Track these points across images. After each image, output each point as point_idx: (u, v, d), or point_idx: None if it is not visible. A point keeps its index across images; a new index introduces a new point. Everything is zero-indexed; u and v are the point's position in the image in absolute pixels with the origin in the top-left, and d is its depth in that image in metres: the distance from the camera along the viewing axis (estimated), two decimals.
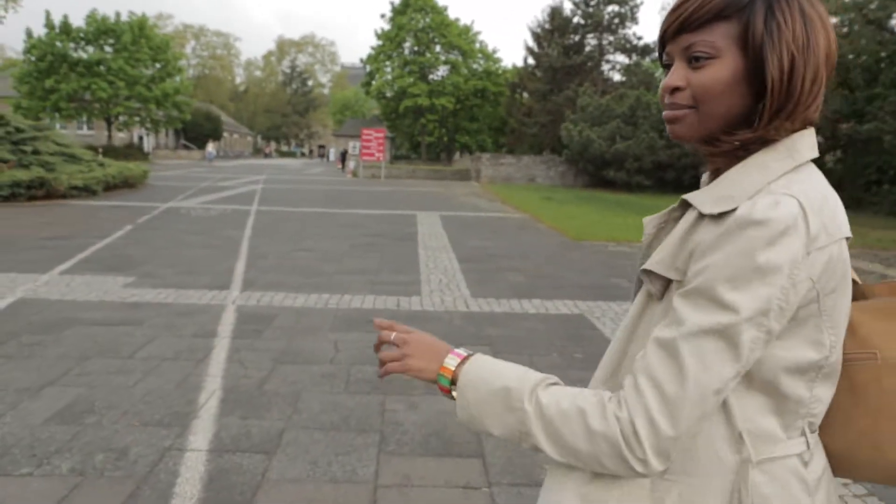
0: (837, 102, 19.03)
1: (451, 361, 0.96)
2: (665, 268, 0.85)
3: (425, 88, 46.05)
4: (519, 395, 0.86)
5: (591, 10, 35.31)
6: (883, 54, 18.87)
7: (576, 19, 36.07)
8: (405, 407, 3.61)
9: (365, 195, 19.56)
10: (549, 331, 5.38)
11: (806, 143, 0.85)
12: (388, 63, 48.91)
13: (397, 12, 47.50)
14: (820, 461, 0.90)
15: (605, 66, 36.57)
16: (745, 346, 0.76)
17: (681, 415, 0.77)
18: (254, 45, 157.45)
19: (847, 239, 0.84)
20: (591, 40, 36.16)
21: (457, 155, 52.19)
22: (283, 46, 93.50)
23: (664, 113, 0.91)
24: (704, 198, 0.84)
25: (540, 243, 10.60)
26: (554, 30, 37.32)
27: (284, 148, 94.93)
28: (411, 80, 46.28)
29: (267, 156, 79.23)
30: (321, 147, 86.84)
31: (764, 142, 0.84)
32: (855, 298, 0.92)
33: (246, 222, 11.74)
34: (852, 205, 20.24)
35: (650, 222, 0.97)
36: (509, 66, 48.76)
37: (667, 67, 0.90)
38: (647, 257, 0.92)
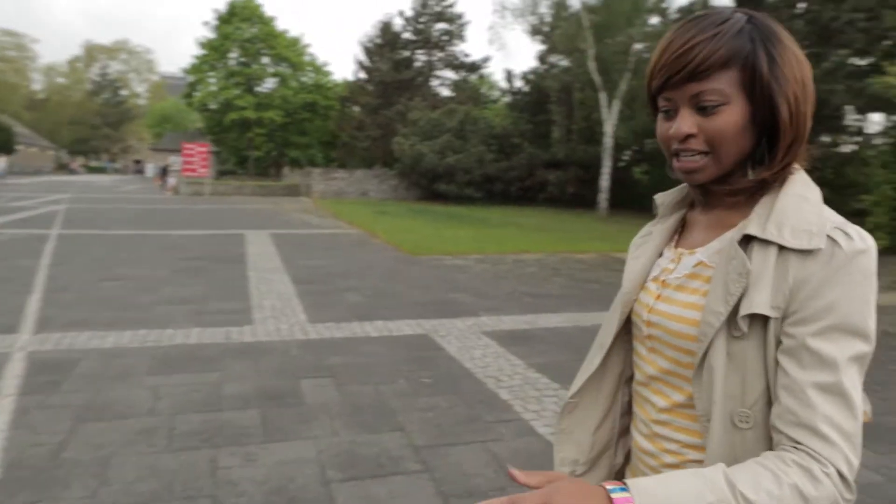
0: (645, 120, 20.96)
1: None
2: (766, 307, 0.84)
3: (252, 101, 44.10)
4: None
5: (420, 26, 36.04)
6: None
7: (406, 35, 36.63)
8: (241, 461, 3.19)
9: (187, 214, 18.18)
10: (394, 355, 5.16)
11: (806, 174, 0.94)
12: (211, 74, 46.24)
13: (222, 21, 45.11)
14: None
15: (435, 82, 37.45)
16: (869, 357, 0.84)
17: (859, 441, 0.81)
18: (56, 49, 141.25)
19: None
20: (420, 56, 36.89)
21: (286, 170, 50.60)
22: (92, 52, 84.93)
23: (678, 164, 0.92)
24: (779, 233, 0.86)
25: (377, 260, 10.40)
26: (384, 45, 37.58)
27: (94, 163, 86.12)
28: (237, 91, 44.09)
29: (73, 172, 71.41)
30: (137, 162, 79.83)
31: (780, 176, 0.91)
32: None
33: (43, 249, 10.29)
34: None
35: (717, 259, 0.93)
36: (340, 80, 48.27)
37: (664, 113, 0.93)
38: (726, 296, 0.88)
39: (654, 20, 21.14)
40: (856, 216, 13.87)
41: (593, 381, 1.11)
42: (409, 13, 37.20)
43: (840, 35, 13.75)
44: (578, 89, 22.01)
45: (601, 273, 9.99)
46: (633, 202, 23.82)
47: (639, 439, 1.04)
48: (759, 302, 0.84)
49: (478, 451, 3.41)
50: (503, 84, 34.47)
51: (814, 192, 0.91)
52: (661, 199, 1.12)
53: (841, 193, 15.09)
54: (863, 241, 0.83)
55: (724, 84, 0.86)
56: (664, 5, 21.16)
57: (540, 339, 5.92)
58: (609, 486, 0.76)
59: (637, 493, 0.75)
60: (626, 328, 1.09)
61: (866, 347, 0.82)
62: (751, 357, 0.86)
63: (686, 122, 0.89)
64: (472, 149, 23.97)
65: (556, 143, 23.57)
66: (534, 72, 27.64)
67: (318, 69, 48.62)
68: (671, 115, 0.92)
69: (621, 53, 20.19)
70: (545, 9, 22.58)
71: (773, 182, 0.92)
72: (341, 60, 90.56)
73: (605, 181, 20.90)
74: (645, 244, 1.12)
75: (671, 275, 1.00)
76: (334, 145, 46.62)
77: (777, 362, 0.84)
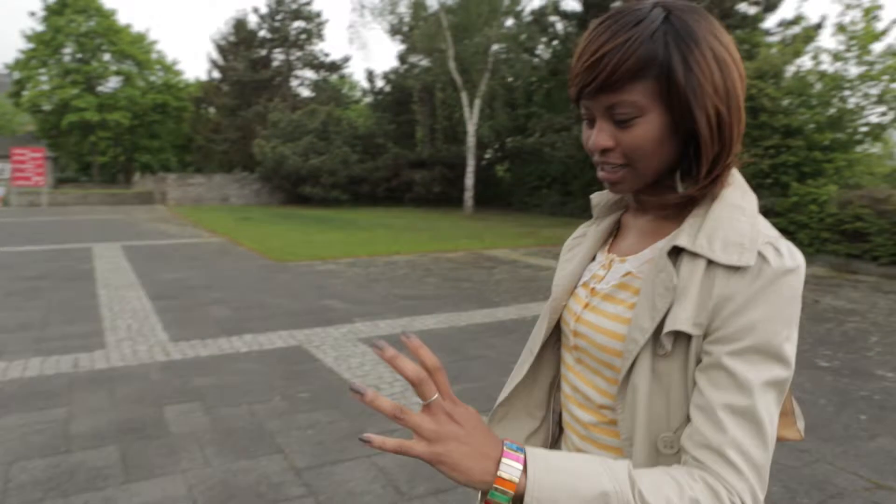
0: (504, 119, 21.68)
1: (510, 471, 0.70)
2: (689, 325, 0.79)
3: (94, 101, 40.55)
4: (622, 500, 0.70)
5: (277, 24, 34.93)
6: (534, 78, 22.03)
7: (262, 33, 35.37)
8: None
9: (21, 228, 16.37)
10: (267, 370, 4.90)
11: (742, 179, 0.88)
12: (43, 70, 41.94)
13: (52, 12, 40.99)
14: None
15: (294, 82, 36.48)
16: (788, 383, 0.79)
17: (766, 474, 0.76)
18: None
19: None
20: (278, 55, 35.76)
21: (137, 176, 47.15)
22: None
23: (601, 174, 0.88)
24: (710, 246, 0.80)
25: (243, 269, 9.91)
26: (239, 43, 36.06)
27: None
28: (75, 91, 40.32)
29: None
30: None
31: (714, 183, 0.84)
32: None
33: None
34: (522, 207, 23.28)
35: (643, 273, 0.89)
36: (192, 79, 45.69)
37: (588, 121, 0.87)
38: (652, 310, 0.82)
39: (510, 22, 21.88)
40: None
41: (523, 389, 1.05)
42: (264, 10, 36.03)
43: None
44: (440, 89, 22.33)
45: (472, 271, 10.16)
46: (497, 199, 24.62)
47: (567, 442, 1.01)
48: (682, 319, 0.79)
49: (364, 467, 3.30)
50: (364, 84, 34.30)
51: (750, 202, 0.85)
52: (597, 199, 1.04)
53: None
54: (792, 260, 0.79)
55: (638, 96, 0.79)
56: (518, 8, 22.00)
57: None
58: (507, 442, 0.72)
59: (531, 457, 0.71)
60: (557, 334, 1.03)
61: (784, 373, 0.77)
62: (675, 378, 0.81)
63: (602, 135, 0.84)
64: (336, 150, 23.59)
65: (421, 143, 23.78)
66: (395, 72, 27.70)
67: (168, 68, 45.75)
68: (592, 123, 0.86)
69: (480, 54, 20.72)
70: (404, 8, 22.67)
71: (707, 194, 0.85)
72: (193, 59, 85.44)
73: (469, 180, 21.37)
74: (578, 247, 1.06)
75: (601, 283, 0.95)
76: (189, 149, 44.09)
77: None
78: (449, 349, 5.64)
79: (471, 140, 21.05)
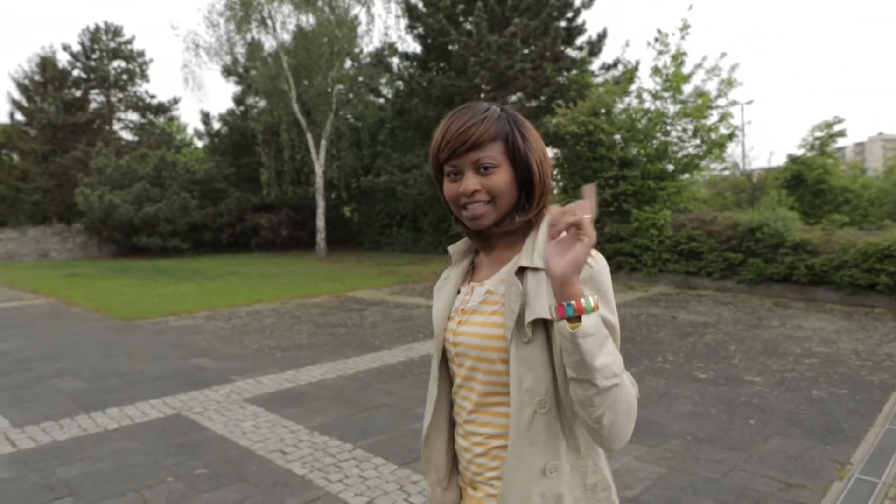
0: (351, 160, 21.53)
1: (588, 302, 1.05)
2: (545, 312, 1.11)
3: None
4: (610, 342, 1.08)
5: (92, 63, 32.20)
6: (379, 118, 22.19)
7: (76, 72, 32.39)
8: None
9: None
10: (148, 448, 4.28)
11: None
12: None
13: None
14: None
15: (117, 125, 33.72)
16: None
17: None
18: None
19: None
20: (97, 96, 32.90)
21: None
22: None
23: (467, 213, 1.22)
24: (539, 262, 1.16)
25: (84, 333, 8.78)
26: (47, 82, 32.72)
27: None
28: None
29: None
30: None
31: (539, 218, 1.24)
32: None
33: None
34: (373, 247, 23.14)
35: (508, 292, 1.20)
36: None
37: (449, 177, 1.24)
38: (513, 312, 1.16)
39: (348, 64, 21.91)
40: None
41: (438, 410, 1.34)
42: (76, 48, 33.09)
43: (515, 81, 15.85)
44: (284, 130, 21.73)
45: (342, 315, 9.82)
46: (347, 240, 24.30)
47: (458, 440, 1.31)
48: (539, 310, 1.11)
49: None
50: (197, 126, 32.55)
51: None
52: (453, 249, 1.40)
53: None
54: (599, 258, 1.15)
55: (495, 152, 1.19)
56: (356, 49, 22.12)
57: (311, 396, 5.50)
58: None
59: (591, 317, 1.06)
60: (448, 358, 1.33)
61: (612, 331, 1.10)
62: (538, 357, 1.13)
63: (471, 181, 1.19)
64: (172, 196, 22.01)
65: (266, 186, 22.90)
66: (231, 113, 26.63)
67: None
68: (456, 177, 1.22)
69: (322, 95, 20.50)
70: (240, 49, 21.90)
71: (534, 222, 1.23)
72: None
73: (320, 221, 20.87)
74: (445, 286, 1.37)
75: (468, 304, 1.28)
76: None
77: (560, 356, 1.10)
78: (345, 401, 5.32)
79: (319, 181, 20.61)
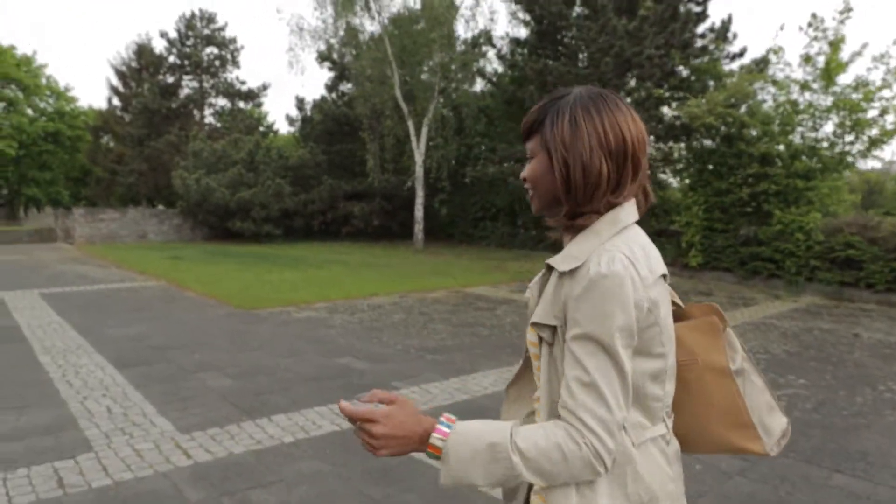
0: (454, 149, 20.80)
1: (438, 442, 1.10)
2: (546, 318, 1.14)
3: None
4: (503, 448, 1.06)
5: (188, 50, 32.69)
6: (487, 105, 21.39)
7: (171, 59, 32.97)
8: None
9: None
10: (344, 473, 3.59)
11: (626, 212, 1.18)
12: None
13: None
14: (676, 441, 1.26)
15: (208, 111, 34.21)
16: (625, 360, 1.07)
17: (615, 427, 1.06)
18: None
19: (664, 276, 1.19)
20: (190, 82, 33.43)
21: (23, 211, 42.61)
22: None
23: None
24: (559, 260, 1.15)
25: (208, 320, 8.31)
26: (143, 69, 33.49)
27: None
28: None
29: None
30: None
31: (594, 217, 1.16)
32: (677, 319, 1.30)
33: None
34: (466, 240, 22.41)
35: (533, 287, 1.24)
36: (87, 106, 42.09)
37: None
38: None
39: (456, 48, 21.07)
40: (666, 236, 14.77)
41: (521, 376, 1.35)
42: (173, 34, 33.68)
43: (640, 69, 14.74)
44: (387, 117, 21.18)
45: (474, 315, 9.05)
46: (437, 232, 23.60)
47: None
48: (540, 314, 1.15)
49: None
50: (282, 114, 32.54)
51: (611, 228, 1.15)
52: (531, 286, 1.28)
53: (657, 217, 16.09)
54: (607, 268, 1.07)
55: (533, 144, 1.22)
56: (461, 35, 21.27)
57: (493, 411, 4.69)
58: (441, 419, 1.12)
59: (455, 426, 1.10)
60: None
61: (604, 352, 1.06)
62: (559, 359, 1.14)
63: (524, 169, 1.26)
64: (267, 182, 21.85)
65: (371, 173, 22.42)
66: (325, 100, 26.36)
67: (60, 94, 41.88)
68: None
69: (426, 81, 19.84)
70: (340, 33, 21.47)
71: (590, 220, 1.17)
72: (88, 85, 79.42)
73: (419, 212, 20.25)
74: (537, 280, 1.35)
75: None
76: (85, 182, 40.40)
77: None
78: None
79: (419, 170, 19.98)
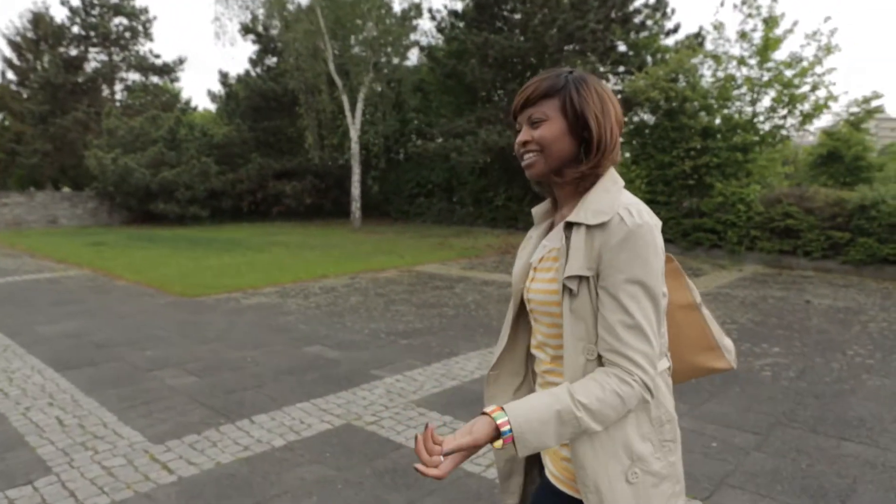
0: (392, 124, 20.23)
1: (508, 431, 1.13)
2: (580, 269, 1.21)
3: None
4: (568, 410, 1.14)
5: (93, 20, 30.33)
6: (423, 79, 20.85)
7: (75, 29, 30.52)
8: None
9: None
10: (353, 477, 3.24)
11: (616, 173, 1.33)
12: None
13: None
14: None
15: (119, 86, 31.96)
16: (660, 298, 1.21)
17: (655, 358, 1.20)
18: None
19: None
20: (97, 55, 31.08)
21: None
22: None
23: (524, 162, 1.34)
24: (585, 215, 1.24)
25: (148, 311, 7.64)
26: (41, 40, 30.84)
27: None
28: None
29: None
30: None
31: (595, 176, 1.30)
32: None
33: None
34: (402, 217, 22.03)
35: (546, 245, 1.39)
36: None
37: (516, 132, 1.36)
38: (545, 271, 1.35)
39: (390, 20, 20.37)
40: None
41: (507, 354, 1.46)
42: (75, 2, 31.16)
43: (583, 43, 14.67)
44: (320, 91, 20.28)
45: (433, 294, 8.76)
46: (371, 210, 23.02)
47: (537, 389, 1.40)
48: (576, 267, 1.22)
49: None
50: (210, 88, 30.83)
51: (615, 184, 1.30)
52: (535, 210, 1.48)
53: None
54: (639, 218, 1.20)
55: (546, 108, 1.29)
56: (381, 11, 20.59)
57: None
58: (493, 413, 1.13)
59: (509, 410, 1.13)
60: (526, 310, 1.43)
61: (649, 295, 1.18)
62: (585, 309, 1.22)
63: (523, 134, 1.33)
64: (191, 161, 20.63)
65: (311, 150, 21.48)
66: (249, 75, 25.10)
67: None
68: (518, 131, 1.35)
69: (359, 54, 19.12)
70: (262, 5, 20.37)
71: (592, 179, 1.30)
72: None
73: (356, 189, 19.62)
74: (526, 246, 1.47)
75: (536, 260, 1.39)
76: None
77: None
78: None
79: (354, 147, 19.27)
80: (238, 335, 6.36)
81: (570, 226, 1.26)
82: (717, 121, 12.85)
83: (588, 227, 1.22)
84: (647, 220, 1.19)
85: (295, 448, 3.64)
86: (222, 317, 7.26)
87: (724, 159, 12.49)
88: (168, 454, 3.54)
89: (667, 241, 13.28)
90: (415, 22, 20.58)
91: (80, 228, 20.32)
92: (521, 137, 1.32)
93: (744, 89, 12.80)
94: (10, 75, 32.51)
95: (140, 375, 5.02)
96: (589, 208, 1.24)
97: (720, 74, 13.09)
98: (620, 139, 1.34)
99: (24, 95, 30.95)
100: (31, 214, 20.26)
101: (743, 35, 12.83)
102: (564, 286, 1.23)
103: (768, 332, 6.60)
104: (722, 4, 18.81)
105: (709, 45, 13.90)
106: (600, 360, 1.21)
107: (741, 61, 12.85)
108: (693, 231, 12.82)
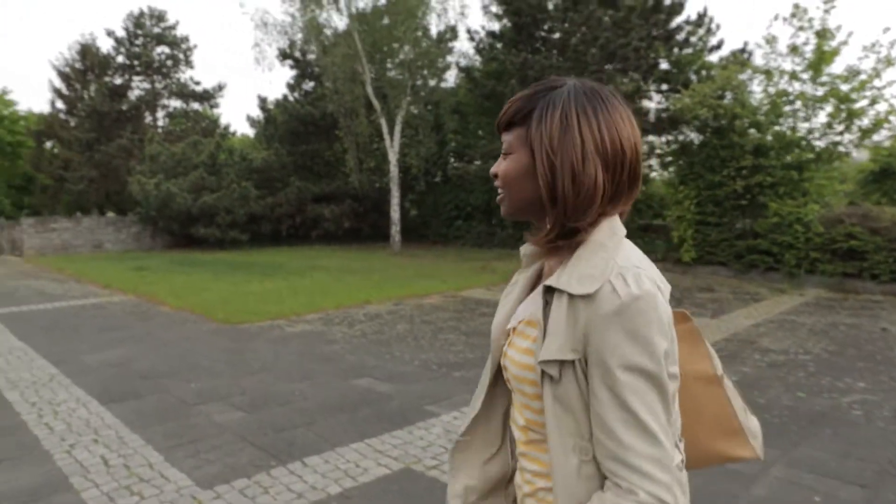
0: (431, 146, 20.16)
1: None
2: (561, 352, 0.95)
3: None
4: None
5: (136, 49, 31.17)
6: (460, 101, 20.79)
7: (120, 59, 31.38)
8: None
9: None
10: None
11: (618, 222, 1.05)
12: None
13: None
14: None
15: (161, 113, 32.69)
16: (669, 387, 0.95)
17: (669, 462, 0.92)
18: None
19: None
20: (141, 84, 31.89)
21: None
22: None
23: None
24: (569, 280, 0.97)
25: (191, 338, 7.49)
26: (88, 70, 31.76)
27: None
28: None
29: None
30: None
31: (592, 224, 1.01)
32: None
33: None
34: (440, 240, 21.81)
35: (525, 310, 1.11)
36: (27, 110, 39.85)
37: None
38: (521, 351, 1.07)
39: (425, 43, 20.37)
40: (654, 232, 14.47)
41: (480, 421, 1.20)
42: (121, 33, 32.08)
43: (625, 61, 14.38)
44: (361, 115, 20.30)
45: (481, 322, 8.46)
46: (409, 233, 22.86)
47: (515, 474, 1.17)
48: (554, 348, 0.95)
49: None
50: (248, 113, 31.23)
51: (613, 239, 1.00)
52: (524, 250, 1.19)
53: (640, 212, 15.78)
54: (638, 288, 0.92)
55: (513, 137, 1.05)
56: (418, 34, 20.59)
57: None
58: None
59: None
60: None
61: (651, 382, 0.92)
62: (572, 397, 0.96)
63: (496, 164, 1.09)
64: (231, 185, 20.80)
65: (353, 173, 21.49)
66: (295, 99, 25.32)
67: None
68: None
69: (399, 77, 19.11)
70: (300, 29, 20.55)
71: (584, 232, 1.01)
72: (25, 88, 75.23)
73: (395, 213, 19.49)
74: (511, 293, 1.19)
75: (515, 321, 1.13)
76: (28, 190, 38.23)
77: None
78: None
79: (393, 170, 19.20)
80: (284, 365, 6.14)
81: (550, 290, 1.00)
82: (769, 138, 12.36)
83: (571, 295, 0.96)
84: (646, 290, 0.93)
85: (352, 497, 3.36)
86: (267, 345, 7.07)
87: (779, 178, 11.98)
88: (217, 501, 3.29)
89: (719, 264, 12.80)
90: (450, 44, 20.59)
91: (124, 253, 20.59)
92: (493, 168, 1.10)
93: (797, 105, 12.30)
94: (59, 104, 33.55)
95: (185, 410, 4.81)
96: (574, 271, 0.98)
97: (771, 90, 12.62)
98: (632, 175, 1.04)
99: (72, 123, 31.87)
100: (78, 239, 20.60)
101: (794, 49, 12.37)
102: (543, 371, 0.98)
103: (848, 363, 6.13)
104: (776, 18, 18.30)
105: (759, 60, 13.44)
106: (596, 464, 0.97)
107: (793, 76, 12.38)
108: (747, 253, 12.30)
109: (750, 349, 6.74)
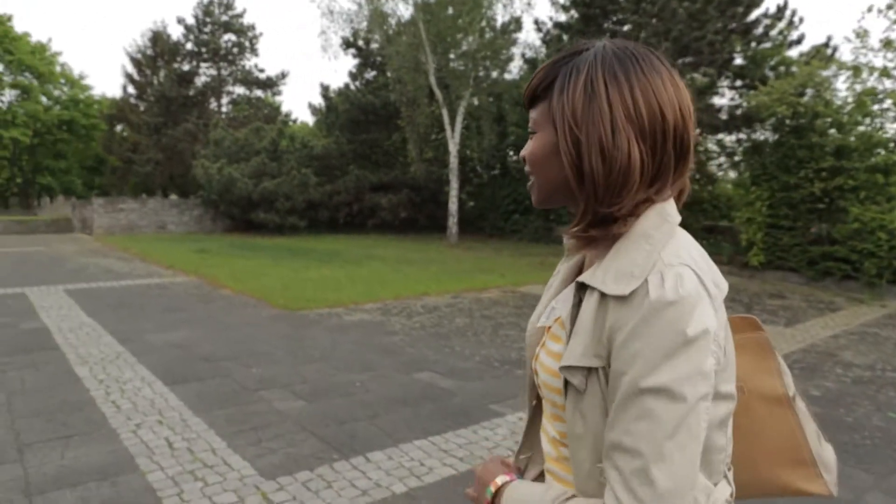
0: (493, 138, 19.95)
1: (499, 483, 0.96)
2: (585, 358, 0.82)
3: None
4: None
5: (205, 37, 31.87)
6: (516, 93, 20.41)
7: (189, 46, 32.16)
8: None
9: None
10: None
11: (673, 206, 0.88)
12: None
13: None
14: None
15: (225, 99, 33.42)
16: (702, 418, 0.76)
17: (685, 498, 0.76)
18: None
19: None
20: (207, 70, 32.63)
21: (37, 201, 42.09)
22: None
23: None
24: (603, 277, 0.83)
25: (252, 323, 7.53)
26: (158, 56, 32.69)
27: None
28: None
29: None
30: None
31: (634, 212, 0.85)
32: None
33: None
34: (497, 234, 21.59)
35: (557, 308, 0.97)
36: (101, 95, 41.41)
37: None
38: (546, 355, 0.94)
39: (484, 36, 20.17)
40: (719, 233, 13.89)
41: (531, 434, 1.07)
42: (190, 21, 32.89)
43: (699, 55, 13.82)
44: (423, 104, 20.25)
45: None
46: (466, 225, 22.74)
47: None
48: (577, 353, 0.82)
49: None
50: (310, 101, 31.66)
51: (662, 228, 0.84)
52: (566, 238, 1.00)
53: (705, 212, 15.21)
54: (675, 292, 0.76)
55: (538, 114, 0.90)
56: (483, 24, 20.34)
57: None
58: (505, 475, 0.97)
59: (509, 486, 0.94)
60: None
61: (678, 413, 0.74)
62: (597, 413, 0.82)
63: (525, 147, 0.93)
64: (291, 172, 21.06)
65: (414, 163, 21.53)
66: (357, 88, 25.47)
67: (75, 82, 41.34)
68: None
69: (461, 67, 18.95)
70: (365, 19, 20.59)
71: (623, 221, 0.85)
72: (102, 73, 78.32)
73: (453, 204, 19.38)
74: (552, 285, 1.06)
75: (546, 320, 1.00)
76: (100, 171, 39.78)
77: None
78: None
79: (453, 161, 19.09)
80: (343, 355, 6.08)
81: (582, 287, 0.86)
82: (852, 138, 11.67)
83: (602, 294, 0.82)
84: (686, 294, 0.76)
85: (417, 497, 3.23)
86: (325, 333, 7.03)
87: (862, 181, 11.30)
88: (281, 493, 3.21)
89: (789, 269, 12.20)
90: (515, 35, 20.28)
91: (186, 234, 21.12)
92: (522, 150, 0.95)
93: (886, 104, 11.57)
94: (131, 89, 34.69)
95: (247, 396, 4.78)
96: (612, 266, 0.83)
97: (857, 87, 11.90)
98: (681, 151, 0.86)
99: (141, 108, 32.93)
100: (143, 220, 21.24)
101: (888, 43, 11.64)
102: (565, 379, 0.85)
103: None
104: (869, 10, 17.19)
105: (847, 56, 12.72)
106: None
107: (884, 73, 11.64)
108: (822, 260, 11.67)
109: (831, 362, 6.33)
